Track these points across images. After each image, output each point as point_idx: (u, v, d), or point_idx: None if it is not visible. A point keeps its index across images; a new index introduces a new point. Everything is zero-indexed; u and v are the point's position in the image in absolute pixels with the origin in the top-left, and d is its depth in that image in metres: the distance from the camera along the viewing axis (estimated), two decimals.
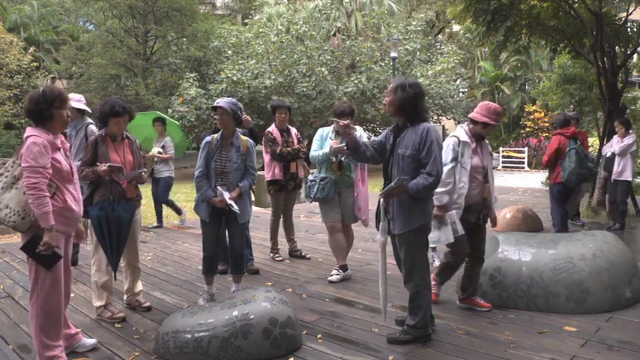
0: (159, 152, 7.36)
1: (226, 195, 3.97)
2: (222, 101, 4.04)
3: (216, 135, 4.16)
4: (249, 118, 5.30)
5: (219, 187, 4.03)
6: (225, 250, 4.84)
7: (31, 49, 18.86)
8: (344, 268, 4.93)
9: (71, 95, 5.08)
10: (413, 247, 3.33)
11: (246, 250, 5.16)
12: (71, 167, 3.07)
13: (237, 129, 5.24)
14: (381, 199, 3.36)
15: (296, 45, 18.50)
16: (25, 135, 2.92)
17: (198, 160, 4.13)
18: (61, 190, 2.97)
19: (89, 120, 5.04)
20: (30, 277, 2.98)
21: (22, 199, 2.85)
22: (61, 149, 3.04)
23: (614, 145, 7.27)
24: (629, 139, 7.11)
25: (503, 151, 22.91)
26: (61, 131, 3.15)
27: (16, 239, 7.24)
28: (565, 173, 5.87)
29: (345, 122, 3.37)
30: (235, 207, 3.96)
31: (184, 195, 12.95)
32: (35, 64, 19.17)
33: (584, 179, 5.94)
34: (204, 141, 4.17)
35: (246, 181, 4.12)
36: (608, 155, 7.41)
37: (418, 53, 20.11)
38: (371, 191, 5.24)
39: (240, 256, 4.29)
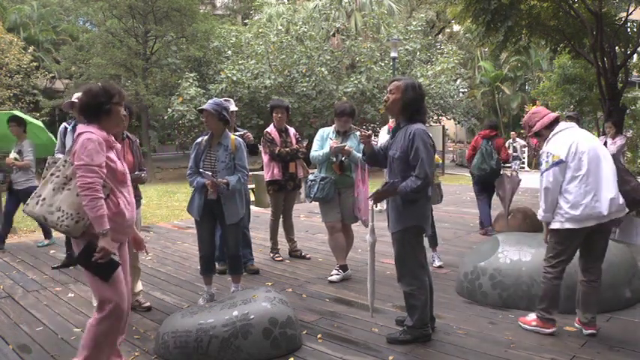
0: (15, 159, 6.13)
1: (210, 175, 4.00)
2: (207, 104, 4.10)
3: (207, 136, 4.20)
4: (251, 136, 5.27)
5: (201, 170, 4.04)
6: (224, 251, 4.84)
7: (31, 48, 18.81)
8: (344, 268, 4.93)
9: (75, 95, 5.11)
10: (403, 246, 3.35)
11: (246, 250, 5.17)
12: (125, 168, 2.84)
13: (239, 129, 5.26)
14: (372, 201, 3.41)
15: (296, 45, 18.50)
16: (78, 131, 2.70)
17: (189, 161, 4.20)
18: (114, 193, 2.71)
19: None
20: (94, 292, 2.78)
21: (75, 200, 2.61)
22: (114, 149, 2.81)
23: (609, 145, 7.34)
24: (622, 140, 7.26)
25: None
26: (115, 131, 2.95)
27: (17, 239, 7.24)
28: (472, 166, 6.82)
29: (367, 133, 3.57)
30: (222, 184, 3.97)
31: (184, 195, 12.94)
32: (35, 63, 19.12)
33: (486, 174, 6.68)
34: (195, 142, 4.25)
35: (235, 176, 4.08)
36: None
37: (418, 53, 20.09)
38: (371, 191, 5.24)
39: (236, 257, 4.29)
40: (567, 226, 3.33)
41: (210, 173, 3.99)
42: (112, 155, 2.74)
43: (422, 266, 3.38)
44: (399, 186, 3.23)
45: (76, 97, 4.97)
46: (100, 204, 2.57)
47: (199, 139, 4.23)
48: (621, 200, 3.33)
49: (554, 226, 3.40)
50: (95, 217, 2.56)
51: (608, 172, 3.34)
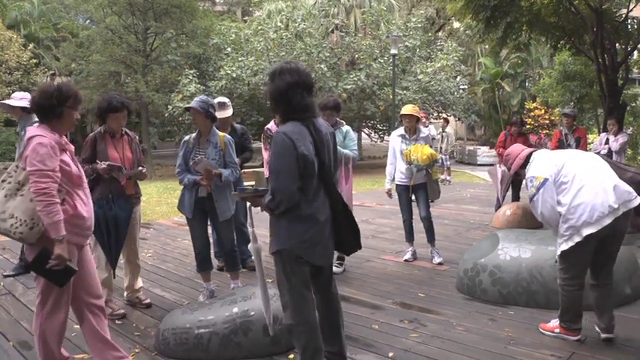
0: None
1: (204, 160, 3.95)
2: (193, 101, 4.07)
3: (194, 134, 4.18)
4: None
5: (191, 164, 4.01)
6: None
7: (31, 45, 18.79)
8: (342, 259, 4.99)
9: (13, 95, 5.04)
10: (278, 272, 2.74)
11: (245, 247, 5.16)
12: (79, 170, 2.78)
13: (237, 125, 5.26)
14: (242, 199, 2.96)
15: (295, 42, 18.47)
16: (28, 135, 2.61)
17: (178, 159, 4.17)
18: (71, 196, 2.66)
19: (36, 118, 5.04)
20: (38, 295, 2.72)
21: (29, 207, 2.54)
22: (67, 151, 2.74)
23: (612, 142, 7.34)
24: (624, 137, 7.25)
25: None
26: (66, 133, 2.85)
27: None
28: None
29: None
30: (218, 169, 3.95)
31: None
32: (35, 60, 19.09)
33: None
34: (183, 140, 4.22)
35: (228, 170, 4.05)
36: (602, 153, 7.49)
37: (418, 50, 20.04)
38: (356, 190, 5.24)
39: (232, 253, 4.28)
40: (577, 240, 3.14)
41: (200, 157, 3.96)
42: (66, 158, 2.68)
43: (303, 298, 2.69)
44: (264, 194, 2.60)
45: (20, 97, 4.91)
46: (56, 209, 2.50)
47: (187, 137, 4.20)
48: (627, 187, 3.21)
49: (564, 247, 3.21)
50: (51, 222, 2.50)
51: (599, 165, 3.29)
